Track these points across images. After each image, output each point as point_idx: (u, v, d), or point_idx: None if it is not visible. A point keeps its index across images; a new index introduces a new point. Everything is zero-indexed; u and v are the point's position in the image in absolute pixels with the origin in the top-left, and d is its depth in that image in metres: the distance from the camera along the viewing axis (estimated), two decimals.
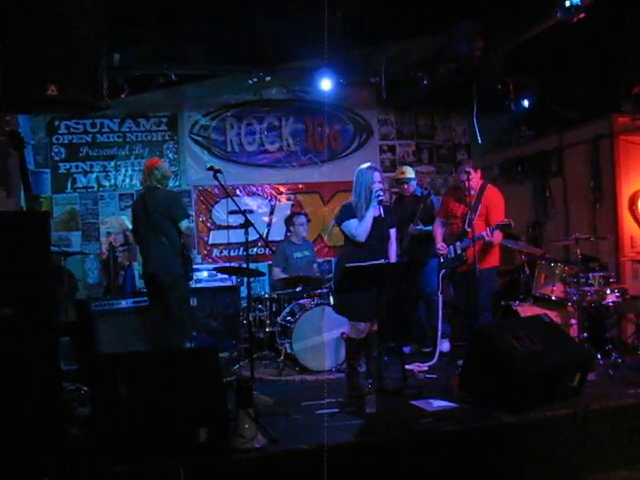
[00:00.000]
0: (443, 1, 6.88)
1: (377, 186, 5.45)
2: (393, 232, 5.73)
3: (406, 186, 7.69)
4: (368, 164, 5.65)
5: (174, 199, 6.09)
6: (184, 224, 5.95)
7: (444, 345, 7.13)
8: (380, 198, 5.42)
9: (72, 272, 7.81)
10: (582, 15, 5.76)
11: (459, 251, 6.51)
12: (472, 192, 6.42)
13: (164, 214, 5.90)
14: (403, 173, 7.75)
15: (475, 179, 6.51)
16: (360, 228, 5.47)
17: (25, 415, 3.76)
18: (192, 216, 8.95)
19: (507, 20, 6.89)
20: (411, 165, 9.38)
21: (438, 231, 6.86)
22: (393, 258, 5.65)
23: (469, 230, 6.39)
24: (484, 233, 6.23)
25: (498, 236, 6.34)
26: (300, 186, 9.48)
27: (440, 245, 6.68)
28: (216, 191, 8.99)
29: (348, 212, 5.59)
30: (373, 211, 5.44)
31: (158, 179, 6.05)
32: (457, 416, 4.76)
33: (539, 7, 6.21)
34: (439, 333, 6.82)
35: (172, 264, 5.92)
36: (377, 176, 5.50)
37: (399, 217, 7.62)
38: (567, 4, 5.70)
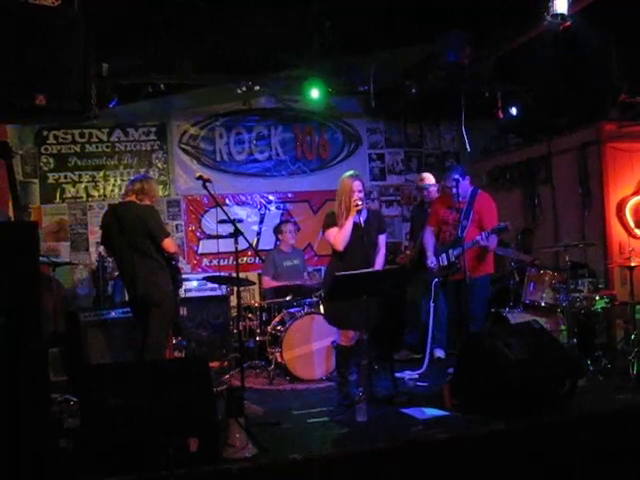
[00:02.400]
0: (431, 10, 6.91)
1: (356, 195, 5.42)
2: (382, 238, 5.69)
3: (426, 192, 7.70)
4: (351, 172, 5.64)
5: (150, 217, 5.72)
6: (166, 244, 5.67)
7: (439, 352, 7.13)
8: (358, 208, 5.38)
9: (61, 282, 7.77)
10: (568, 24, 5.81)
11: (453, 259, 6.49)
12: (462, 199, 6.41)
13: (142, 234, 5.62)
14: (422, 180, 7.78)
15: (464, 185, 6.51)
16: (338, 237, 5.47)
17: (14, 427, 3.73)
18: (180, 225, 8.96)
19: (495, 29, 6.93)
20: (399, 173, 9.46)
21: (429, 241, 6.83)
22: (379, 265, 5.61)
23: (463, 237, 6.36)
24: (479, 238, 6.23)
25: (494, 241, 6.34)
26: (289, 195, 9.48)
27: (431, 261, 6.66)
28: (205, 200, 8.99)
29: (330, 220, 5.59)
30: (352, 220, 5.42)
31: (135, 190, 5.76)
32: (448, 424, 4.76)
33: (526, 16, 6.25)
34: (429, 341, 6.81)
35: (160, 281, 5.69)
36: (357, 185, 5.46)
37: (419, 223, 7.62)
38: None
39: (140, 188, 5.78)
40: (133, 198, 5.78)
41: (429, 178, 7.75)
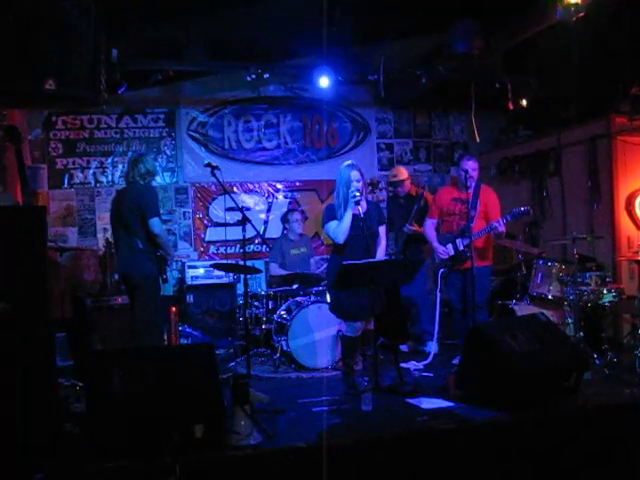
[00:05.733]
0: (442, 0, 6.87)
1: (354, 186, 5.35)
2: (382, 229, 5.64)
3: (400, 188, 7.71)
4: (348, 162, 5.56)
5: (147, 195, 5.78)
6: (152, 223, 5.67)
7: (433, 346, 7.12)
8: (356, 199, 5.29)
9: (68, 268, 7.79)
10: (581, 15, 5.76)
11: (461, 247, 6.47)
12: (471, 183, 6.36)
13: (133, 210, 5.69)
14: (395, 176, 7.76)
15: (476, 172, 6.50)
16: (337, 230, 5.42)
17: (20, 411, 3.75)
18: (188, 212, 8.94)
19: (506, 19, 6.88)
20: (407, 163, 9.42)
21: (433, 233, 6.82)
22: (381, 256, 5.58)
23: (471, 226, 6.34)
24: (496, 223, 6.22)
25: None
26: (297, 183, 9.47)
27: (441, 250, 6.64)
28: (213, 188, 8.99)
29: (329, 214, 5.54)
30: (351, 212, 5.35)
31: (142, 174, 5.82)
32: (453, 414, 4.77)
33: (539, 6, 6.20)
34: (435, 332, 6.81)
35: (142, 264, 5.74)
36: (355, 175, 5.38)
37: (394, 216, 7.63)
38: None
39: (144, 172, 5.85)
40: (138, 180, 5.84)
41: (403, 173, 7.75)
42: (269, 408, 5.01)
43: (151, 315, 5.79)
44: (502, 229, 6.26)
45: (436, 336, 6.81)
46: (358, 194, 5.32)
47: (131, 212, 5.71)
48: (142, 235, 5.72)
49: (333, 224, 5.48)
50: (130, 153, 8.81)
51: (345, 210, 5.38)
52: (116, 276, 8.18)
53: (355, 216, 5.37)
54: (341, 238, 5.41)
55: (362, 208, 5.36)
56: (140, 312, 5.76)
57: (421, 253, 7.25)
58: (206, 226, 9.11)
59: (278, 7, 6.71)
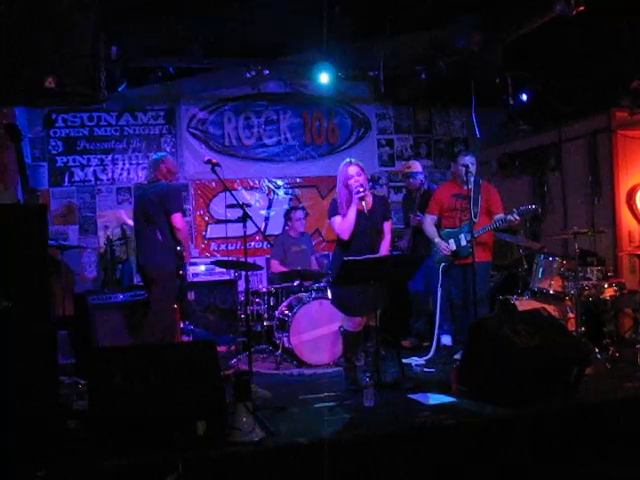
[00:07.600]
0: None
1: (355, 181, 5.32)
2: (387, 225, 5.62)
3: (411, 180, 7.71)
4: (347, 160, 5.53)
5: (171, 191, 6.03)
6: (175, 217, 5.89)
7: (446, 339, 7.12)
8: (360, 194, 5.27)
9: (69, 266, 7.79)
10: (581, 8, 5.74)
11: (464, 243, 6.48)
12: (471, 178, 6.37)
13: (158, 205, 5.87)
14: (409, 167, 7.78)
15: (474, 167, 6.51)
16: (342, 226, 5.40)
17: (22, 409, 3.75)
18: (189, 209, 8.93)
19: (506, 14, 6.87)
20: (408, 159, 9.40)
21: (432, 228, 6.81)
22: (384, 252, 5.56)
23: (476, 221, 6.36)
24: (509, 217, 6.27)
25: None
26: (298, 180, 9.47)
27: (443, 246, 6.64)
28: (214, 185, 8.98)
29: (334, 208, 5.52)
30: (355, 209, 5.33)
31: (164, 173, 6.04)
32: (455, 410, 4.76)
33: (538, 0, 6.19)
34: (436, 327, 6.81)
35: (162, 258, 5.89)
36: (352, 170, 5.36)
37: (408, 211, 7.64)
38: None
39: (166, 172, 6.07)
40: (160, 178, 6.05)
41: (417, 166, 7.75)
42: (271, 405, 5.02)
43: (164, 310, 5.89)
44: (517, 217, 6.29)
45: (437, 329, 6.81)
46: (362, 189, 5.30)
47: (155, 205, 5.90)
48: (164, 228, 5.90)
49: (338, 219, 5.46)
50: (130, 150, 8.83)
51: (348, 207, 5.37)
52: (117, 273, 8.26)
53: (359, 212, 5.35)
54: (346, 235, 5.40)
55: (367, 205, 5.34)
56: (154, 306, 5.87)
57: (429, 246, 7.22)
58: (207, 223, 9.11)
59: (278, 3, 6.69)
